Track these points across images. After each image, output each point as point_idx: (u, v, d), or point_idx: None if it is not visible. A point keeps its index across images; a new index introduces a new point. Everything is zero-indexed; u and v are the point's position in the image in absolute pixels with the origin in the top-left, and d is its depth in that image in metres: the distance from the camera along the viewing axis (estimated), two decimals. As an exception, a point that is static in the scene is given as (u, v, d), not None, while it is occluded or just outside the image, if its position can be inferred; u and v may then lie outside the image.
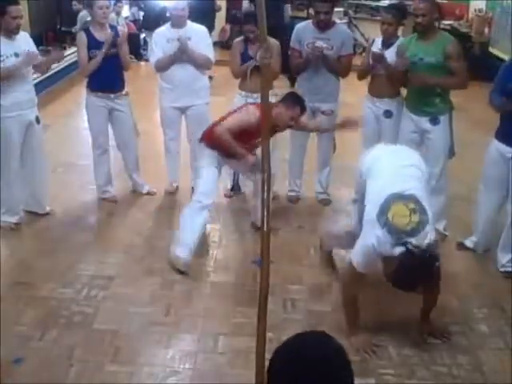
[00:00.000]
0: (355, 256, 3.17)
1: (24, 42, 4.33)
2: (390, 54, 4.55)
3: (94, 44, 4.67)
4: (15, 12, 4.14)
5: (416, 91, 4.39)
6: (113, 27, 4.86)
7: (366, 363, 3.19)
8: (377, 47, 4.65)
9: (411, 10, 4.53)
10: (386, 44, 4.62)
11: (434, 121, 4.33)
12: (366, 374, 3.10)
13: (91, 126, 4.96)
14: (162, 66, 4.87)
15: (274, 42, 4.78)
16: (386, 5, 7.46)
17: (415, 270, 2.88)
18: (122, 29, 5.00)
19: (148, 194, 5.21)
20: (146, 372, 3.07)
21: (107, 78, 4.74)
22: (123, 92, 4.89)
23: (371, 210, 3.11)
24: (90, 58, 4.68)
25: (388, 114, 4.73)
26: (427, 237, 2.98)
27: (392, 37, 4.62)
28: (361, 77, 4.88)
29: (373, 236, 3.03)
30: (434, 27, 4.37)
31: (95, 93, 4.80)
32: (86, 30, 4.76)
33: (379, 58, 4.55)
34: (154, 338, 3.34)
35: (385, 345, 3.36)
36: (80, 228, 4.60)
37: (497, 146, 4.12)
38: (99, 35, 4.68)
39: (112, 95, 4.80)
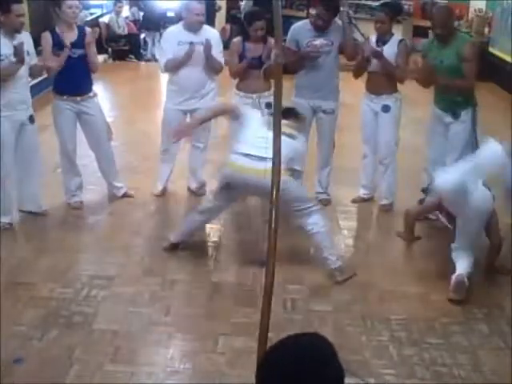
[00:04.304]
0: None
1: (26, 42, 4.27)
2: (386, 51, 4.65)
3: (61, 45, 4.45)
4: (19, 10, 4.13)
5: (440, 89, 4.62)
6: (80, 27, 4.66)
7: (366, 363, 3.19)
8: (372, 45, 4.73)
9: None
10: (381, 41, 4.70)
11: (455, 115, 4.55)
12: (366, 374, 3.09)
13: (58, 131, 4.71)
14: (172, 68, 4.79)
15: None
16: (379, 3, 7.51)
17: None
18: (90, 30, 4.78)
19: (125, 196, 5.01)
20: (146, 372, 3.06)
21: (74, 81, 4.53)
22: (91, 94, 4.70)
23: None
24: None
25: (386, 108, 4.80)
26: None
27: (386, 34, 4.72)
28: (357, 74, 4.92)
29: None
30: (451, 30, 4.53)
31: (61, 96, 4.59)
32: (52, 31, 4.51)
33: (378, 55, 4.60)
34: (154, 338, 3.34)
35: (385, 345, 3.36)
36: (80, 228, 4.60)
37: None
38: (66, 36, 4.46)
39: (78, 98, 4.60)
